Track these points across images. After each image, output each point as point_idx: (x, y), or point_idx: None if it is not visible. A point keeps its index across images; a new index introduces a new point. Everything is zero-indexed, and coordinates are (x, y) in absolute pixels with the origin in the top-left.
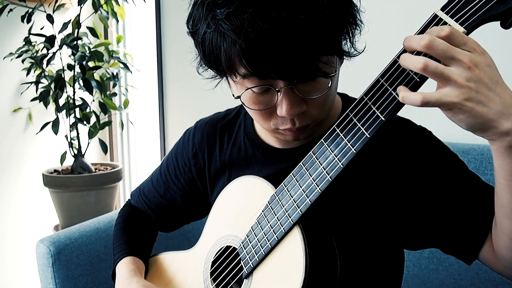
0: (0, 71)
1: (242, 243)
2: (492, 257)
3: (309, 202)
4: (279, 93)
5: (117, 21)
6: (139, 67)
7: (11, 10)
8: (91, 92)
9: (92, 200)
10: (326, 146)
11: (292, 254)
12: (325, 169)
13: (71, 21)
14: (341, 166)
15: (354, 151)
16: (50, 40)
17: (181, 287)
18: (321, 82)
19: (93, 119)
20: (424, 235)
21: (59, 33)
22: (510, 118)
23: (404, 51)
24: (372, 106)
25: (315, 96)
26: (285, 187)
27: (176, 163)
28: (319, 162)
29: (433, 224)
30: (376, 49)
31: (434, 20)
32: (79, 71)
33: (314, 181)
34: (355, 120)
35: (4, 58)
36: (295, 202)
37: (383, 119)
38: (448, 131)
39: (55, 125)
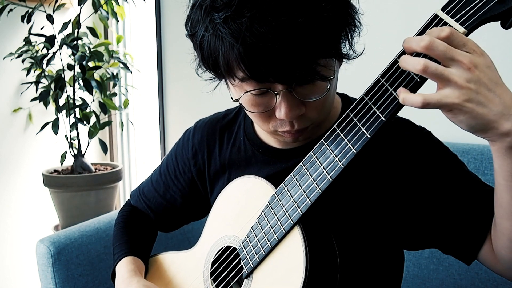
0: (0, 71)
1: (242, 243)
2: (492, 257)
3: (310, 202)
4: (277, 96)
5: (117, 21)
6: (139, 67)
7: (11, 10)
8: (91, 92)
9: (92, 200)
10: (327, 146)
11: (292, 254)
12: (325, 169)
13: (71, 21)
14: (342, 166)
15: (355, 151)
16: (50, 40)
17: (181, 287)
18: (319, 85)
19: (93, 119)
20: (423, 235)
21: (59, 33)
22: (510, 119)
23: (404, 51)
24: (372, 106)
25: (313, 99)
26: (285, 187)
27: (176, 163)
28: (319, 162)
29: (433, 224)
30: (376, 50)
31: (435, 20)
32: (79, 71)
33: (315, 181)
34: (355, 120)
35: (4, 58)
36: (296, 202)
37: (383, 119)
38: (448, 131)
39: (55, 125)
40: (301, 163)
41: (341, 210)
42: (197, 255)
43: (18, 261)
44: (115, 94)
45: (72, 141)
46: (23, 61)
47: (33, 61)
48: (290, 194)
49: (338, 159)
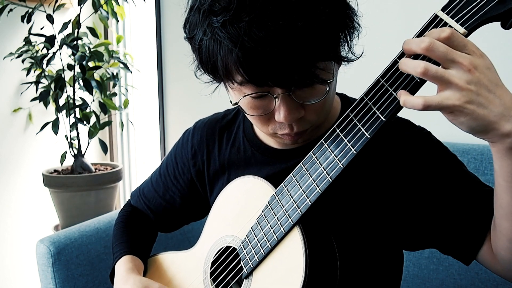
0: (0, 71)
1: (242, 243)
2: (491, 258)
3: (309, 203)
4: (276, 99)
5: (117, 21)
6: (139, 67)
7: (11, 10)
8: (91, 92)
9: (92, 200)
10: (326, 146)
11: (292, 254)
12: (325, 170)
13: (71, 21)
14: (341, 166)
15: (355, 152)
16: (50, 40)
17: (181, 287)
18: (318, 88)
19: (93, 119)
20: (423, 236)
21: (59, 33)
22: (510, 120)
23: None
24: (372, 107)
25: (313, 102)
26: (285, 187)
27: (175, 164)
28: (319, 162)
29: (432, 224)
30: (376, 50)
31: (435, 21)
32: (79, 71)
33: (314, 182)
34: (355, 120)
35: (4, 58)
36: (295, 203)
37: (383, 119)
38: (448, 131)
39: (55, 125)
40: (301, 163)
41: (341, 211)
42: (197, 255)
43: (18, 261)
44: (115, 94)
45: (72, 141)
46: (23, 61)
47: (33, 61)
48: (290, 194)
49: (338, 159)
